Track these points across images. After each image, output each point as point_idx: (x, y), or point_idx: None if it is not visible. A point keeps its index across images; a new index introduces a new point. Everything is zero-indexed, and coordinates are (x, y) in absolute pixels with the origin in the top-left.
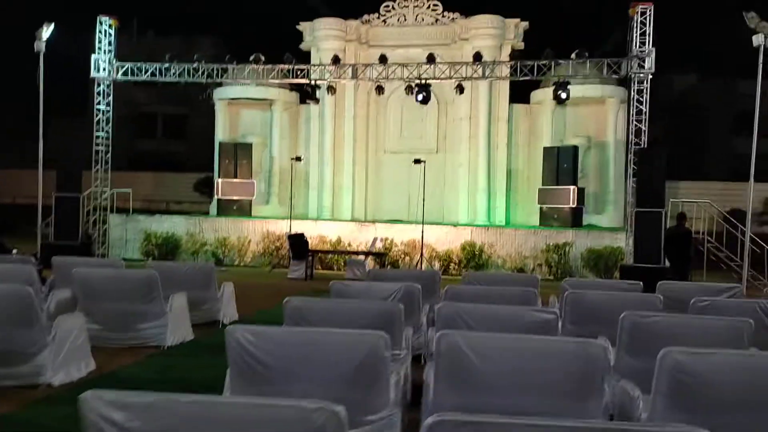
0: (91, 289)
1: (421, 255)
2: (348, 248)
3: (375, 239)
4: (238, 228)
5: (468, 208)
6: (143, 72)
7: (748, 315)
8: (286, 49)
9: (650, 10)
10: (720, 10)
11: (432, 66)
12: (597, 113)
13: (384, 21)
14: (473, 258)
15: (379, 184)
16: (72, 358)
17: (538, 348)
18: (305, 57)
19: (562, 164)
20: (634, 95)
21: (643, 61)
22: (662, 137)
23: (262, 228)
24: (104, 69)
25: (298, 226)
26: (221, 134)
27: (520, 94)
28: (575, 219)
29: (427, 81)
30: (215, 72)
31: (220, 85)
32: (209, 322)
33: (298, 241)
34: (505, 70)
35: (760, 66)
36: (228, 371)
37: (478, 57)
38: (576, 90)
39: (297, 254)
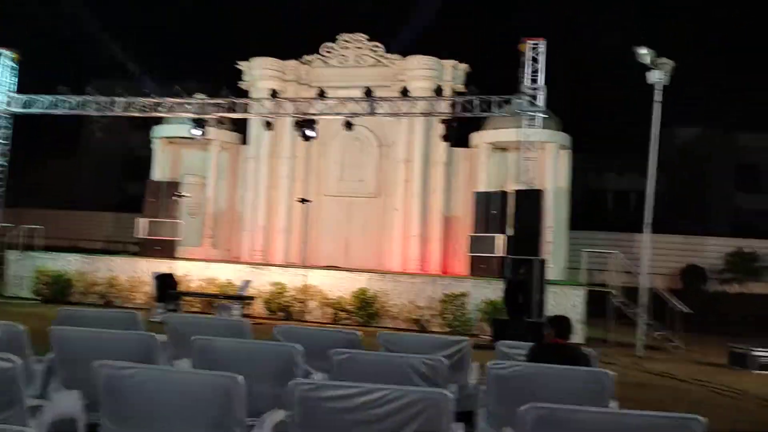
0: None
1: (302, 303)
2: (229, 292)
3: (245, 283)
4: (131, 268)
5: (401, 255)
6: (38, 105)
7: (395, 374)
8: (229, 88)
9: (542, 46)
10: None
11: (319, 101)
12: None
13: (325, 61)
14: (364, 307)
15: (318, 228)
16: None
17: None
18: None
19: (491, 211)
20: (524, 134)
21: (535, 99)
22: (662, 189)
23: (156, 268)
24: (2, 102)
25: (188, 267)
26: (159, 174)
27: (463, 137)
28: (504, 268)
29: (312, 117)
30: (106, 103)
31: (159, 122)
32: None
33: (164, 281)
34: (430, 107)
35: (658, 105)
36: None
37: (368, 93)
38: (511, 134)
39: (161, 296)
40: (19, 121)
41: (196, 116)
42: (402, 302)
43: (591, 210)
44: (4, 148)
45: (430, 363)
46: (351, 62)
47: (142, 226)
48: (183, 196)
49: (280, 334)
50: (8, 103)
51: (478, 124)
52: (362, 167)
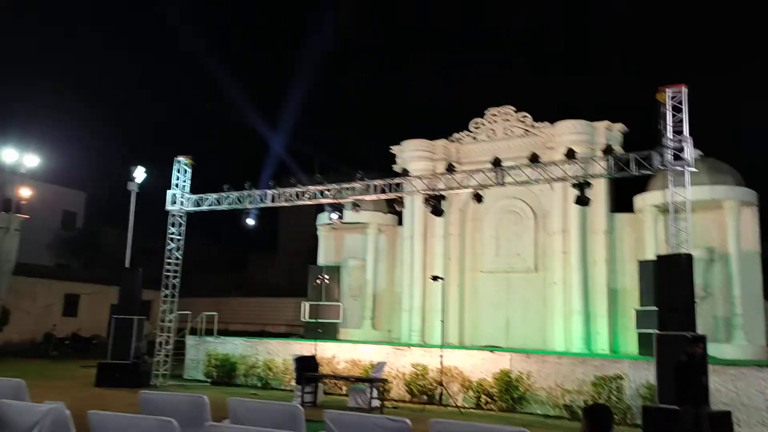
0: None
1: (441, 384)
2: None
3: (380, 365)
4: (286, 350)
5: (564, 333)
6: (204, 202)
7: None
8: (385, 173)
9: (683, 93)
10: None
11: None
12: (716, 219)
13: (474, 138)
14: (507, 390)
15: (476, 306)
16: None
17: None
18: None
19: None
20: (671, 194)
21: (681, 152)
22: None
23: (310, 351)
24: (178, 202)
25: (335, 349)
26: (323, 258)
27: (627, 201)
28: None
29: (441, 193)
30: (259, 197)
31: (322, 210)
32: None
33: (303, 363)
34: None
35: None
36: None
37: (496, 163)
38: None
39: (299, 378)
40: (225, 221)
41: (333, 201)
42: (549, 385)
43: None
44: (180, 244)
45: None
46: (499, 135)
47: (305, 309)
48: (324, 279)
49: (332, 421)
50: (183, 203)
51: (642, 186)
52: (519, 241)
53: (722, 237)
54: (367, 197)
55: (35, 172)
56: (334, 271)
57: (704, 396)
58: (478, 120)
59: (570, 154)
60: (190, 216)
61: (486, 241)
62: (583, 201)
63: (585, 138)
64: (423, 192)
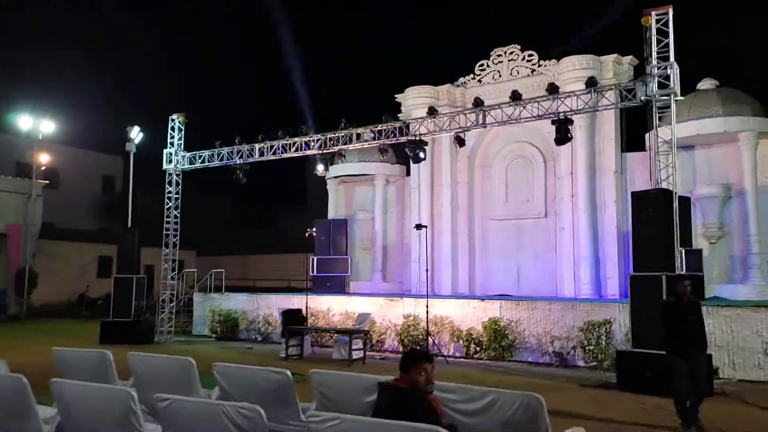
0: None
1: (427, 334)
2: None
3: (364, 316)
4: (285, 304)
5: (574, 280)
6: (198, 159)
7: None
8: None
9: (669, 15)
10: None
11: (432, 120)
12: (732, 153)
13: (479, 81)
14: (496, 338)
15: (487, 255)
16: None
17: None
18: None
19: None
20: (655, 126)
21: (668, 80)
22: None
23: (304, 303)
24: (174, 161)
25: (330, 302)
26: (333, 212)
27: (639, 139)
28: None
29: (422, 137)
30: (247, 151)
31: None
32: None
33: (289, 317)
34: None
35: None
36: None
37: (477, 103)
38: (693, 126)
39: (284, 331)
40: (253, 178)
41: (319, 152)
42: (538, 332)
43: None
44: (177, 202)
45: (244, 413)
46: (505, 76)
47: (313, 263)
48: (312, 234)
49: (219, 374)
50: (179, 162)
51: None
52: (528, 186)
53: (739, 172)
54: (350, 146)
55: (74, 140)
56: (342, 224)
57: (701, 344)
58: (484, 62)
59: (551, 89)
60: (219, 175)
61: (495, 188)
62: (562, 139)
63: (592, 73)
64: (406, 138)
